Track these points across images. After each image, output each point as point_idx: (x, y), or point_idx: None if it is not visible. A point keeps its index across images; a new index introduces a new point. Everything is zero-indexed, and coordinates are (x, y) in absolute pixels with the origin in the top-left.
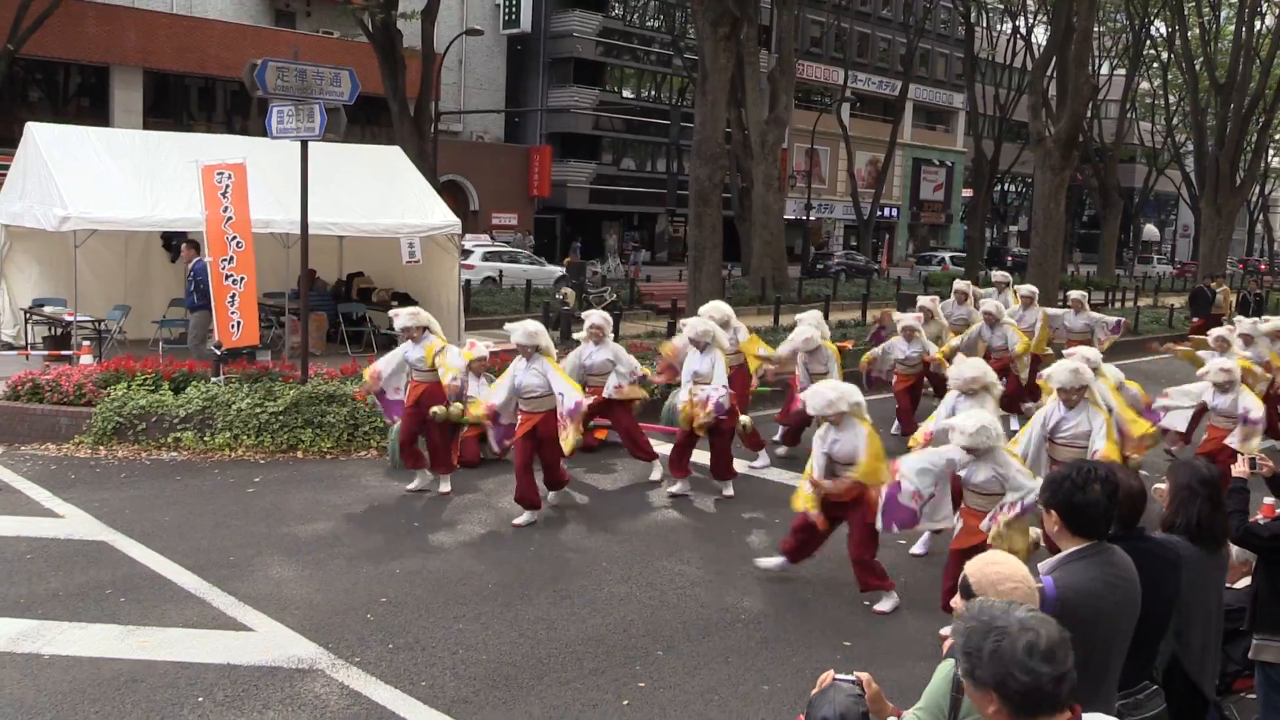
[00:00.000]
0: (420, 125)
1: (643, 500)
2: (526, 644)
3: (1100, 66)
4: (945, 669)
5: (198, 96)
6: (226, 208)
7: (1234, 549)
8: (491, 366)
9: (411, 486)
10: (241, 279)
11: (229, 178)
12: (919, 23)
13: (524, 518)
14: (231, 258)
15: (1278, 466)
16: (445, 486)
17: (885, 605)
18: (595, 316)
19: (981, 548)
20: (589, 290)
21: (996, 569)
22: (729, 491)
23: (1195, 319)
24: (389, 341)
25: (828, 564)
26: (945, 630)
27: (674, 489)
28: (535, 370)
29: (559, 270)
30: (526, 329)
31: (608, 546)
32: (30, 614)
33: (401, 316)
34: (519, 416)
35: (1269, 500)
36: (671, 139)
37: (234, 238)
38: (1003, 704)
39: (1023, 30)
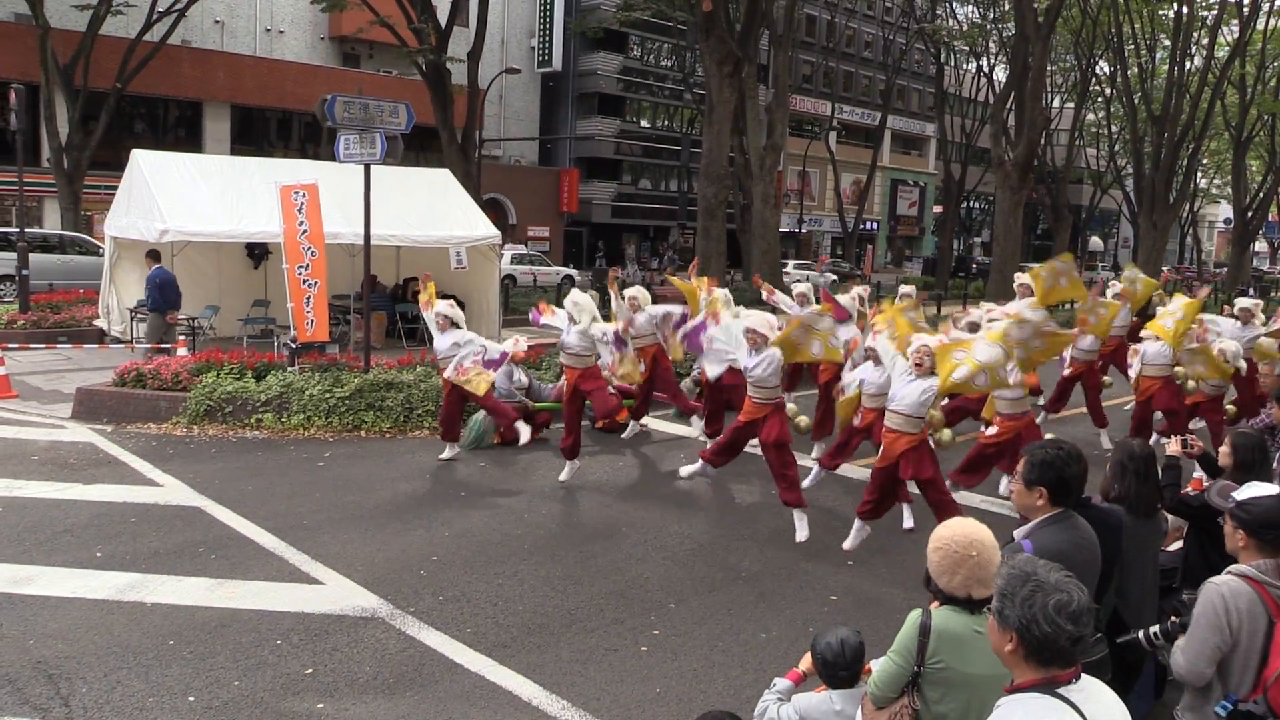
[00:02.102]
0: (466, 151)
1: (657, 474)
2: (557, 597)
3: (1052, 100)
4: (914, 617)
5: (277, 127)
6: (302, 222)
7: (1170, 516)
8: (528, 359)
9: (443, 456)
10: (315, 283)
11: (304, 196)
12: (896, 62)
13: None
14: (307, 265)
15: (1207, 448)
16: (449, 453)
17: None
18: (632, 289)
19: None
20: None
21: (948, 529)
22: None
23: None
24: None
25: (815, 529)
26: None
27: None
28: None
29: (566, 270)
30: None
31: (627, 514)
32: (135, 568)
33: (439, 305)
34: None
35: (1198, 475)
36: (682, 162)
37: (309, 248)
38: (1019, 646)
39: (985, 69)
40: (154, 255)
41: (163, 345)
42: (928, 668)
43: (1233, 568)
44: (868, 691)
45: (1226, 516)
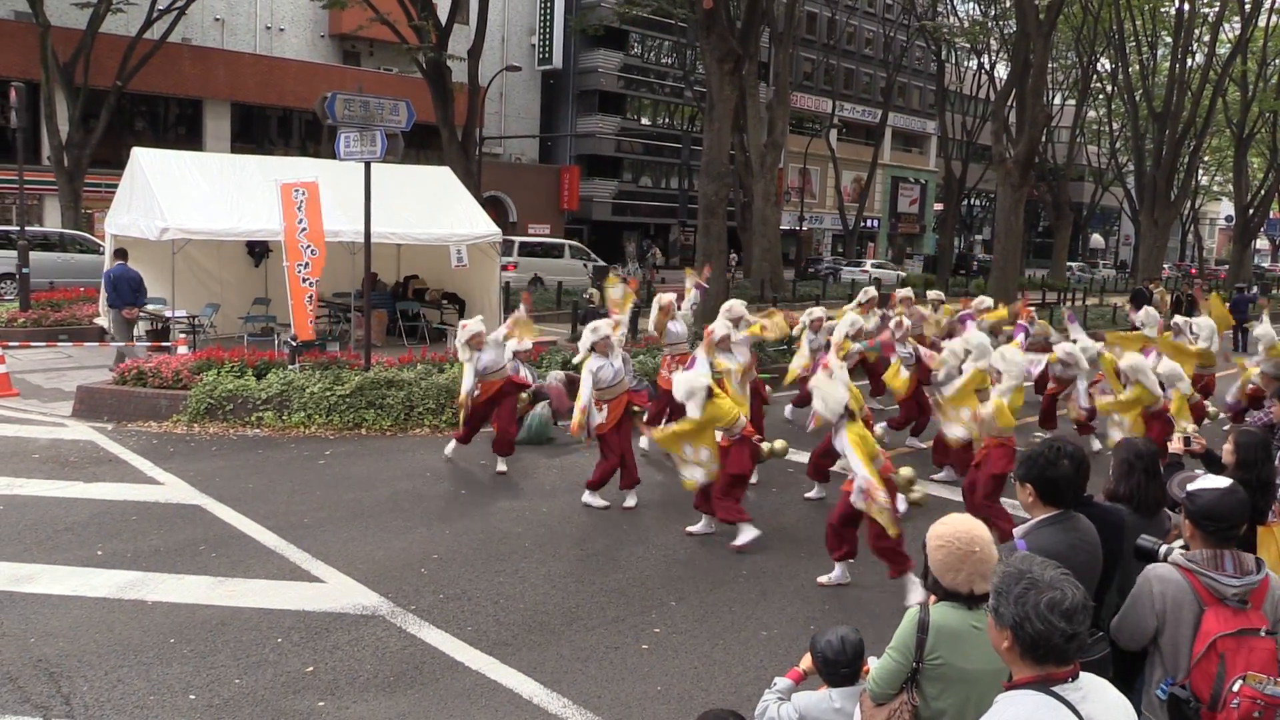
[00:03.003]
0: (466, 148)
1: (658, 474)
2: (558, 595)
3: (1053, 97)
4: (912, 614)
5: (277, 125)
6: (301, 220)
7: (1172, 514)
8: (529, 358)
9: (447, 452)
10: (314, 281)
11: (304, 194)
12: (897, 59)
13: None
14: (307, 263)
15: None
16: (501, 467)
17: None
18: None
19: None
20: None
21: (942, 527)
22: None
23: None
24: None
25: (815, 527)
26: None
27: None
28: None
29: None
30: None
31: (628, 512)
32: (136, 566)
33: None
34: None
35: (1199, 473)
36: (683, 160)
37: (309, 246)
38: (1015, 644)
39: (986, 66)
40: (118, 253)
41: (138, 344)
42: (926, 664)
43: (1172, 556)
44: (867, 688)
45: (1181, 507)
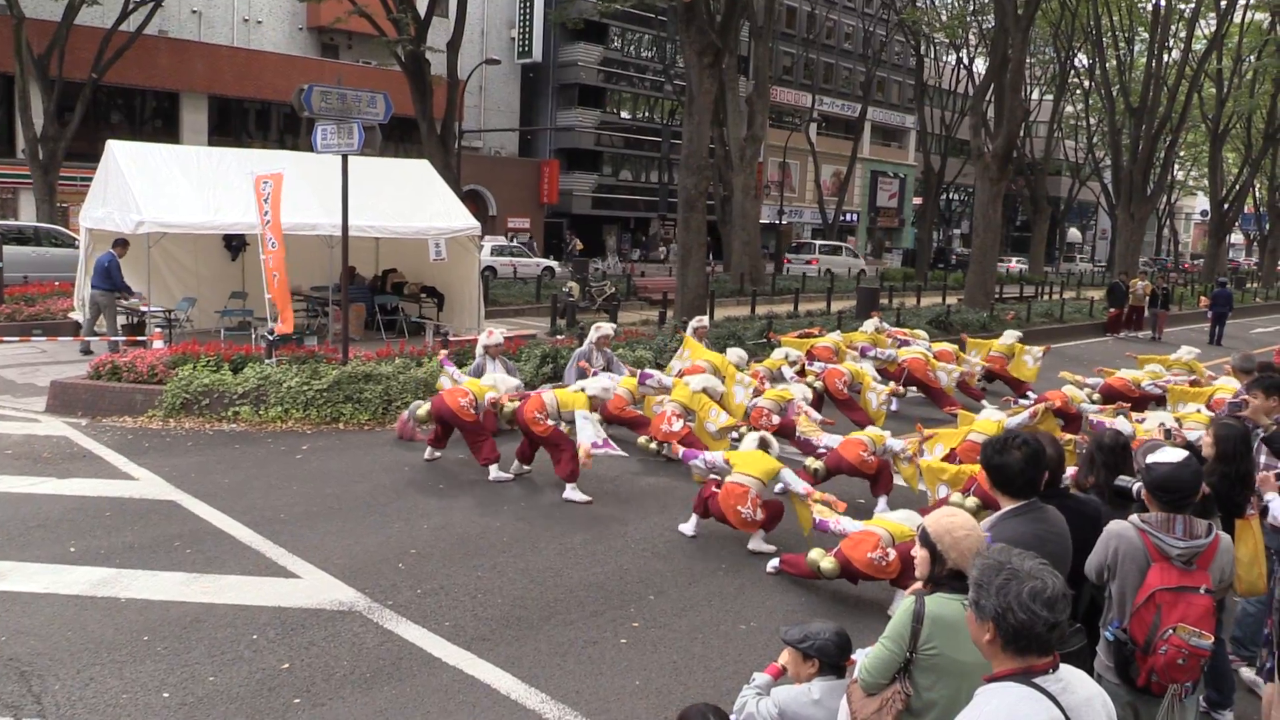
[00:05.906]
0: (446, 142)
1: (637, 468)
2: (536, 589)
3: (1031, 92)
4: (906, 604)
5: (255, 118)
6: (267, 212)
7: None
8: (507, 350)
9: (427, 456)
10: (275, 275)
11: (270, 185)
12: (876, 54)
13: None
14: (271, 256)
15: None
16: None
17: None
18: (607, 328)
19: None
20: (591, 284)
21: (951, 519)
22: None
23: (1111, 309)
24: (418, 329)
25: (792, 521)
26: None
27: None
28: None
29: (546, 261)
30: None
31: (607, 507)
32: (109, 563)
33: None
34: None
35: (1161, 441)
36: (663, 153)
37: (270, 239)
38: (997, 635)
39: (965, 61)
40: (124, 244)
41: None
42: (920, 654)
43: (1131, 516)
44: (858, 678)
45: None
